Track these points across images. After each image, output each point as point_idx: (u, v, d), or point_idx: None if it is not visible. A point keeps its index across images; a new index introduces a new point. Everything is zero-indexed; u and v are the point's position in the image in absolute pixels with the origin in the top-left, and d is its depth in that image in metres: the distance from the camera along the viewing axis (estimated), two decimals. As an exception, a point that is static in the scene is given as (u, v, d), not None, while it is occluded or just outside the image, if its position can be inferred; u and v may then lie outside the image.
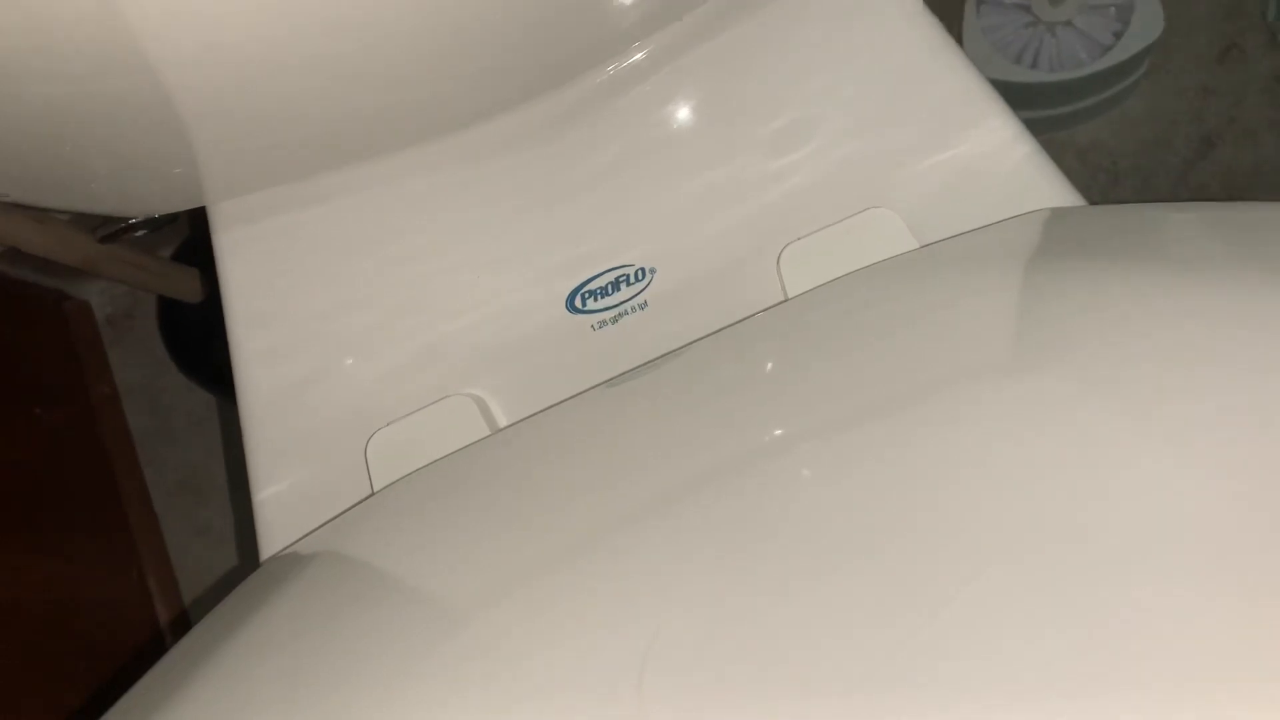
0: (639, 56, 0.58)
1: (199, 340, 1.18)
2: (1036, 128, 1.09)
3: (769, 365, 0.49)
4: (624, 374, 0.54)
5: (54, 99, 0.43)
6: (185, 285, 1.07)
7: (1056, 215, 0.50)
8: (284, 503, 0.55)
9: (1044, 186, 0.52)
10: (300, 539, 0.54)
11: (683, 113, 0.58)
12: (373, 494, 0.54)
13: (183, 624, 1.17)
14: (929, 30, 0.55)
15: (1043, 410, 0.39)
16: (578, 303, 0.57)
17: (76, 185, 0.53)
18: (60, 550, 1.09)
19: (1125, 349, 0.39)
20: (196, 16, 0.41)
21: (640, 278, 0.57)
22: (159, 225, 0.63)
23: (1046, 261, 0.47)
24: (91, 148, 0.48)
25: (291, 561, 0.52)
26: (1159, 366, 0.38)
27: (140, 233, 0.65)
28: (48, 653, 1.01)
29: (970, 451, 0.38)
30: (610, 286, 0.57)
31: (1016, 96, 1.03)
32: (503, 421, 0.56)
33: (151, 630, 1.15)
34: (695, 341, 0.53)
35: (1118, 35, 0.99)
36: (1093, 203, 1.08)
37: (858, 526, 0.38)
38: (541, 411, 0.53)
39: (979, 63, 1.01)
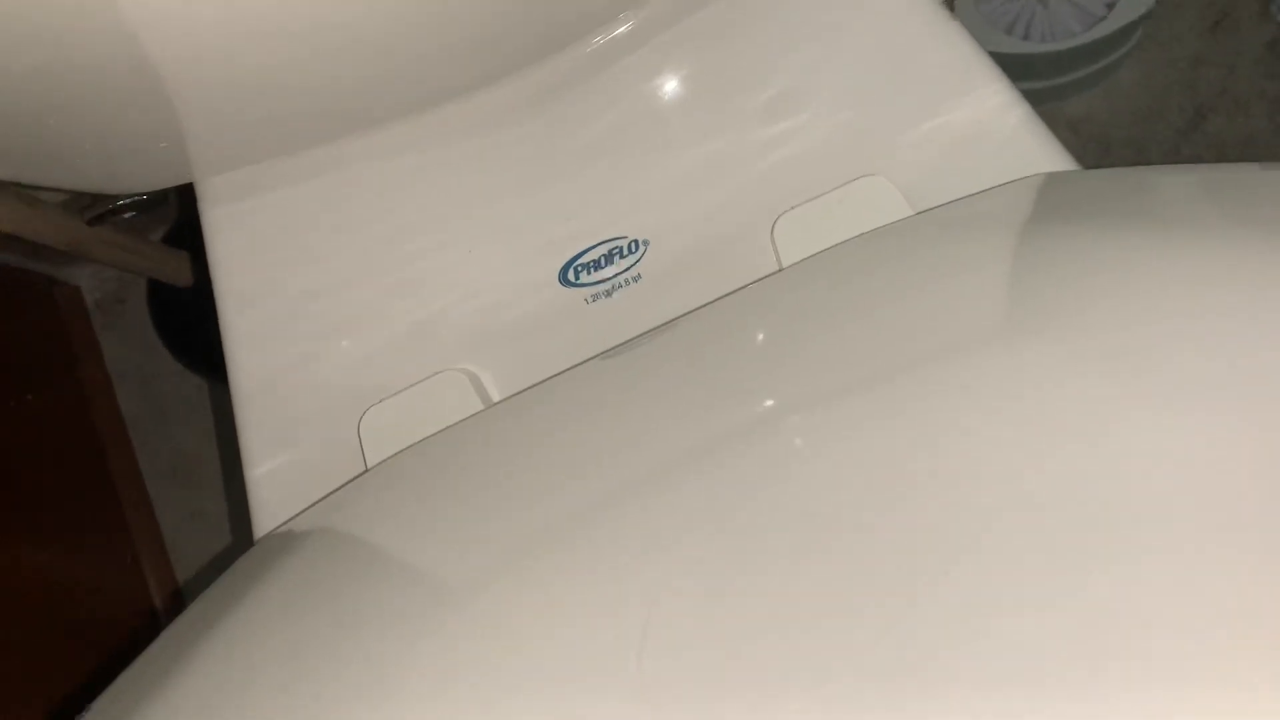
0: (626, 27, 0.57)
1: (190, 323, 1.17)
2: (1029, 99, 1.09)
3: (762, 337, 0.49)
4: (618, 347, 0.53)
5: (37, 68, 0.42)
6: (175, 268, 1.06)
7: (1050, 180, 0.50)
8: (278, 480, 0.55)
9: (1038, 152, 0.52)
10: (294, 516, 0.53)
11: (672, 84, 0.58)
12: (366, 470, 0.54)
13: (178, 608, 1.17)
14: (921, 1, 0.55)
15: (1036, 378, 0.38)
16: (571, 276, 0.57)
17: (63, 160, 0.52)
18: (54, 537, 1.08)
19: (1119, 314, 0.39)
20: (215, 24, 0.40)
21: (633, 250, 0.56)
22: (148, 207, 0.63)
23: (1041, 227, 0.47)
24: (76, 120, 0.47)
25: (286, 539, 0.51)
26: (1152, 331, 0.38)
27: (129, 215, 0.64)
28: (42, 638, 1.01)
29: (963, 423, 0.38)
30: (603, 259, 0.57)
31: (1008, 68, 1.02)
32: (496, 396, 0.56)
33: (147, 615, 1.14)
34: (689, 314, 0.52)
35: (1110, 6, 0.99)
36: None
37: (852, 501, 0.37)
38: (534, 386, 0.53)
39: (972, 34, 1.00)
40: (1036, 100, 1.09)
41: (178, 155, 0.54)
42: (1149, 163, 1.09)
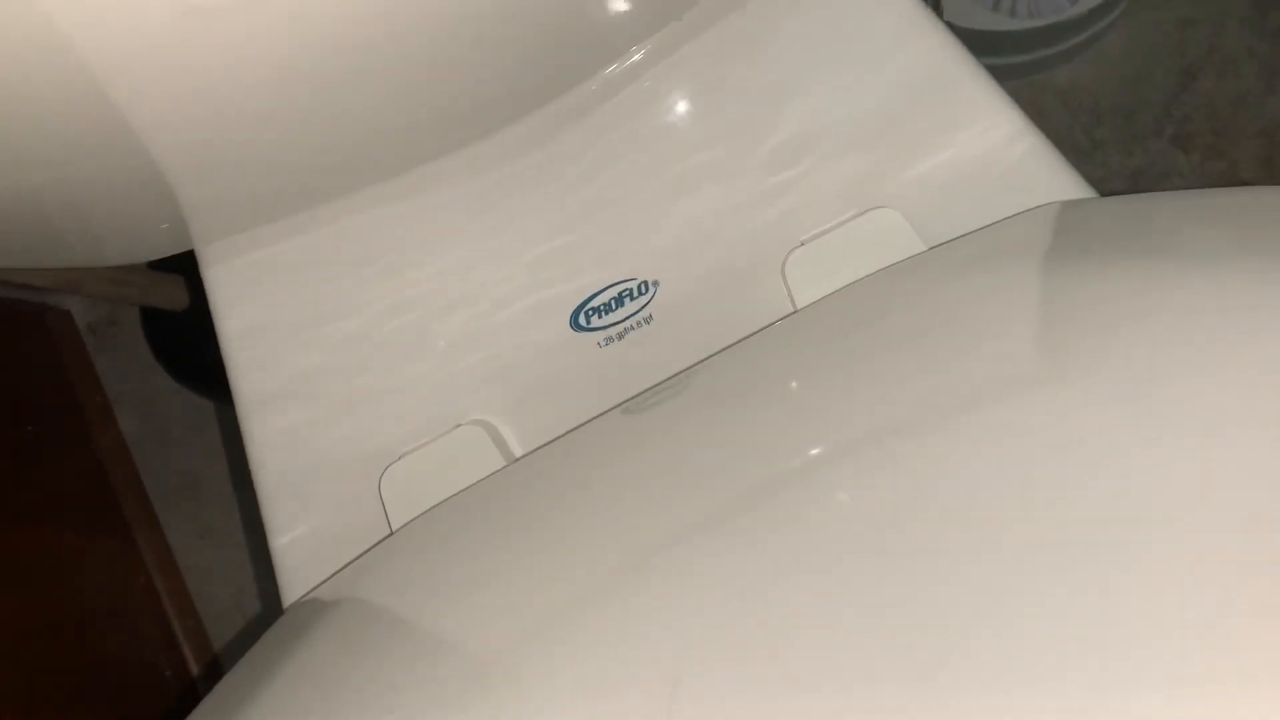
0: (634, 59, 0.56)
1: (186, 343, 1.16)
2: (1017, 72, 1.08)
3: (787, 385, 0.48)
4: (639, 396, 0.53)
5: (50, 181, 0.42)
6: (169, 294, 1.05)
7: (1065, 209, 0.50)
8: (303, 547, 0.55)
9: (1052, 179, 0.51)
10: (321, 583, 0.53)
11: (678, 117, 0.57)
12: (391, 534, 0.53)
13: (195, 627, 1.17)
14: (926, 25, 0.54)
15: (1070, 417, 0.38)
16: (582, 320, 0.56)
17: (61, 249, 0.51)
18: (66, 565, 1.08)
19: (1147, 350, 0.39)
20: (184, 94, 0.39)
21: (644, 291, 0.56)
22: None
23: (1060, 259, 0.47)
24: (82, 220, 0.47)
25: (314, 609, 0.51)
26: (1179, 363, 0.38)
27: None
28: (61, 668, 1.01)
29: (1002, 462, 0.38)
30: (614, 302, 0.56)
31: (996, 43, 1.02)
32: (516, 448, 0.56)
33: (165, 634, 1.15)
34: (708, 361, 0.52)
35: (1096, -24, 0.98)
36: (1077, 143, 1.07)
37: (893, 546, 0.37)
38: (557, 440, 0.53)
39: (958, 12, 0.99)
40: (1025, 73, 1.09)
41: (178, 231, 0.53)
42: (1140, 127, 1.09)
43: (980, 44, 1.01)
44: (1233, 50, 1.08)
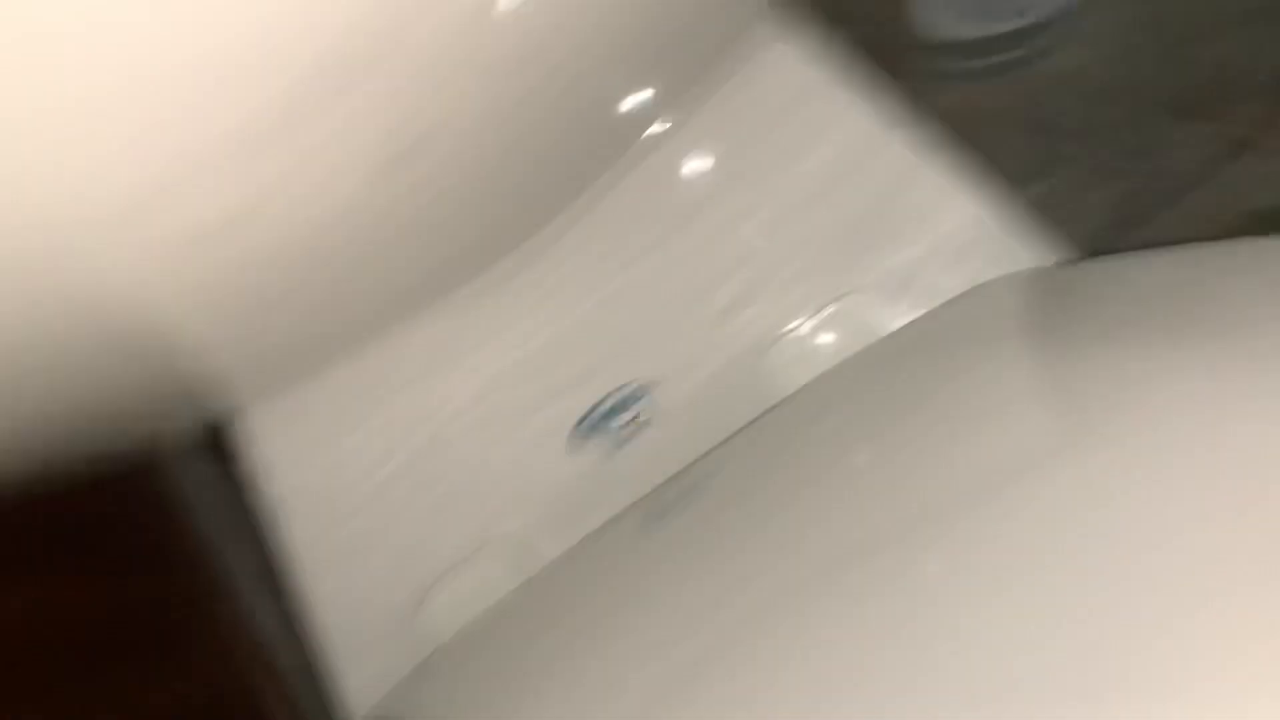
0: (607, 175, 0.60)
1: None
2: (1007, 70, 1.08)
3: (794, 478, 0.50)
4: (653, 494, 0.56)
5: (88, 391, 0.45)
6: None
7: (1025, 279, 0.52)
8: (364, 685, 0.58)
9: (1014, 250, 0.54)
10: (377, 702, 0.57)
11: (659, 225, 0.60)
12: (434, 652, 0.57)
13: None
14: (875, 120, 0.57)
15: (1087, 493, 0.39)
16: (584, 431, 0.59)
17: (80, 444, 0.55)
18: (150, 659, 1.11)
19: (1168, 416, 0.40)
20: (220, 292, 0.43)
21: (640, 396, 0.59)
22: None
23: (1042, 330, 0.48)
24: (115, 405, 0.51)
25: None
26: (1169, 434, 0.39)
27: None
28: None
29: (1026, 541, 0.39)
30: (613, 410, 0.59)
31: (982, 46, 1.03)
32: (544, 554, 0.59)
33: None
34: (713, 456, 0.55)
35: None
36: (1075, 128, 1.07)
37: (929, 623, 0.38)
38: (580, 546, 0.56)
39: (932, 24, 1.00)
40: (1017, 67, 1.09)
41: (211, 406, 0.57)
42: (1137, 103, 1.08)
43: (960, 52, 1.02)
44: (1225, 14, 1.07)
